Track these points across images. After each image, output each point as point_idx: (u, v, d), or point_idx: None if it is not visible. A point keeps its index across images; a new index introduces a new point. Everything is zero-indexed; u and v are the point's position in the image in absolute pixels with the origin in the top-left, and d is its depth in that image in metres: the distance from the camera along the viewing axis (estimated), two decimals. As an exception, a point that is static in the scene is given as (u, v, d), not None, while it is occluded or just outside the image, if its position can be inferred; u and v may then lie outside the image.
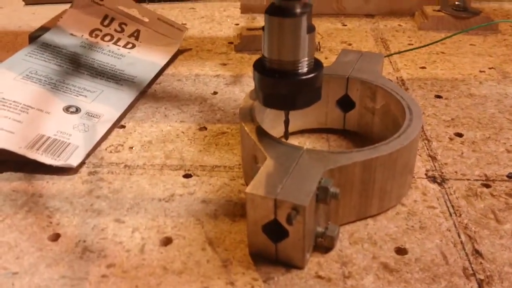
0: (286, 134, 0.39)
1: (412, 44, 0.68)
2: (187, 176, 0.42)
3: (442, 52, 0.65)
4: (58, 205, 0.39)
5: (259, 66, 0.36)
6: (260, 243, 0.33)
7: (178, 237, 0.36)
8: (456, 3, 0.72)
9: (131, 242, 0.35)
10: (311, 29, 0.34)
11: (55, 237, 0.36)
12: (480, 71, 0.60)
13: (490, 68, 0.61)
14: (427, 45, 0.65)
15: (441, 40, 0.65)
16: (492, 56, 0.64)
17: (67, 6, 0.65)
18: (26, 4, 0.88)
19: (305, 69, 0.35)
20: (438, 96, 0.54)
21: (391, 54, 0.64)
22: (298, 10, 0.33)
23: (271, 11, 0.34)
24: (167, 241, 0.36)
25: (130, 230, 0.37)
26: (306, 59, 0.35)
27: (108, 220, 0.38)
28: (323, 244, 0.34)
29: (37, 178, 0.42)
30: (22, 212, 0.38)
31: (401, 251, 0.35)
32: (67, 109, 0.49)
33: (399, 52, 0.64)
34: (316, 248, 0.34)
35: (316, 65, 0.36)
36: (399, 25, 0.75)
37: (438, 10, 0.73)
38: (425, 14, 0.74)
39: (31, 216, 0.38)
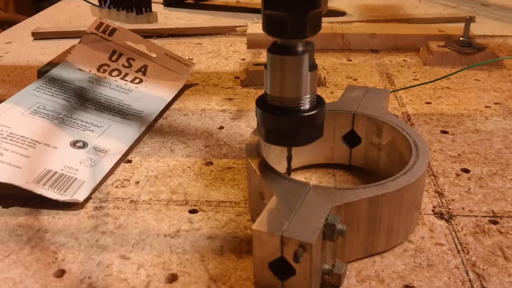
0: (289, 170, 0.39)
1: (417, 80, 0.68)
2: (193, 211, 0.42)
3: (447, 87, 0.66)
4: (64, 240, 0.39)
5: (261, 103, 0.36)
6: (267, 281, 0.33)
7: (183, 274, 0.36)
8: (461, 38, 0.73)
9: (136, 279, 0.35)
10: (313, 67, 0.35)
11: (60, 273, 0.36)
12: (486, 107, 0.60)
13: (495, 104, 0.61)
14: (433, 81, 0.66)
15: (448, 76, 0.66)
16: (498, 92, 0.64)
17: (76, 41, 0.66)
18: (35, 39, 0.89)
19: (307, 106, 0.35)
20: (444, 132, 0.54)
21: (397, 90, 0.64)
22: (300, 49, 0.34)
23: (273, 50, 0.34)
24: (172, 278, 0.35)
25: (135, 267, 0.36)
26: (308, 96, 0.35)
27: (114, 256, 0.37)
28: (330, 282, 0.34)
29: (43, 213, 0.42)
30: (27, 248, 0.38)
31: (409, 289, 0.34)
32: (74, 144, 0.49)
33: (405, 88, 0.65)
34: (323, 285, 0.34)
35: (318, 102, 0.36)
36: (404, 60, 0.76)
37: (443, 46, 0.74)
38: (430, 50, 0.74)
39: (36, 252, 0.38)
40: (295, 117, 0.35)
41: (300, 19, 0.32)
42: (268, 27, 0.33)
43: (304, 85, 0.34)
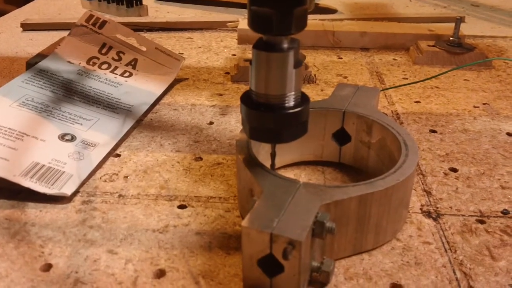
0: (273, 167, 0.39)
1: (407, 78, 0.69)
2: (181, 207, 0.42)
3: (437, 87, 0.66)
4: (51, 234, 0.39)
5: (246, 99, 0.36)
6: (255, 278, 0.33)
7: (171, 270, 0.36)
8: (451, 38, 0.73)
9: (123, 274, 0.35)
10: (298, 64, 0.35)
11: (47, 267, 0.36)
12: (474, 107, 0.60)
13: (484, 104, 0.61)
14: (423, 80, 0.66)
15: (437, 75, 0.66)
16: (486, 92, 0.65)
17: (65, 33, 0.66)
18: (24, 30, 0.89)
19: (292, 103, 0.35)
20: (433, 131, 0.55)
21: (387, 89, 0.65)
22: (285, 45, 0.34)
23: (259, 46, 0.34)
24: (160, 274, 0.35)
25: (123, 262, 0.36)
26: (293, 93, 0.35)
27: (101, 251, 0.37)
28: (319, 279, 0.34)
29: (31, 206, 0.42)
30: (14, 241, 0.38)
31: (396, 287, 0.34)
32: (62, 137, 0.49)
33: (395, 87, 0.65)
34: (311, 283, 0.34)
35: (303, 99, 0.36)
36: (394, 59, 0.76)
37: (433, 45, 0.74)
38: (420, 49, 0.75)
39: (23, 246, 0.38)
40: (280, 114, 0.35)
41: (286, 16, 0.32)
42: (253, 23, 0.33)
43: (289, 82, 0.34)
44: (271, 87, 0.35)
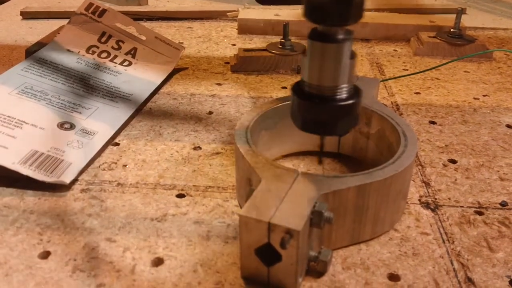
0: (320, 159, 0.39)
1: (407, 70, 0.69)
2: (180, 196, 0.42)
3: (437, 78, 0.66)
4: (49, 222, 0.39)
5: (298, 91, 0.36)
6: (253, 267, 0.33)
7: (169, 258, 0.36)
8: (452, 30, 0.73)
9: (122, 262, 0.35)
10: (353, 55, 0.34)
11: (46, 255, 0.36)
12: (474, 98, 0.60)
13: (484, 96, 0.61)
14: (423, 71, 0.66)
15: (437, 66, 0.66)
16: (486, 84, 0.64)
17: (65, 21, 0.65)
18: (24, 18, 0.88)
19: (345, 95, 0.35)
20: (432, 122, 0.54)
21: (387, 79, 0.64)
22: (341, 36, 0.33)
23: (315, 36, 0.34)
24: (158, 262, 0.35)
25: (121, 250, 0.36)
26: (347, 85, 0.35)
27: (100, 239, 0.37)
28: (316, 269, 0.34)
29: (29, 194, 0.42)
30: (13, 229, 0.38)
31: (393, 277, 0.34)
32: (61, 125, 0.49)
33: (395, 78, 0.65)
34: (308, 272, 0.34)
35: (356, 91, 0.36)
36: (395, 50, 0.76)
37: (434, 37, 0.74)
38: (421, 40, 0.74)
39: (22, 233, 0.38)
40: (335, 106, 0.35)
41: (345, 6, 0.31)
42: (311, 13, 0.32)
43: (344, 73, 0.34)
44: (327, 78, 0.34)
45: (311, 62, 0.34)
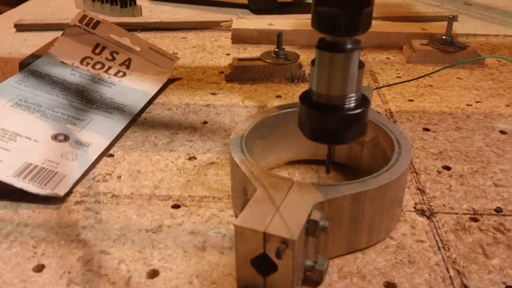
0: (328, 169, 0.39)
1: (400, 77, 0.69)
2: (175, 206, 0.42)
3: (430, 85, 0.66)
4: (44, 235, 0.39)
5: (306, 100, 0.36)
6: (249, 277, 0.33)
7: (165, 270, 0.35)
8: (444, 37, 0.74)
9: (117, 275, 0.35)
10: (361, 64, 0.34)
11: (40, 268, 0.36)
12: (467, 105, 0.60)
13: (477, 102, 0.61)
14: (416, 78, 0.66)
15: (430, 73, 0.66)
16: (479, 90, 0.65)
17: (59, 33, 0.66)
18: (18, 30, 0.88)
19: (354, 104, 0.35)
20: (426, 129, 0.55)
21: (380, 87, 0.65)
22: (349, 46, 0.33)
23: (323, 46, 0.34)
24: (153, 274, 0.35)
25: (116, 262, 0.36)
26: (355, 94, 0.35)
27: (94, 252, 0.37)
28: (312, 278, 0.34)
29: (23, 207, 0.42)
30: (7, 242, 0.38)
31: (390, 286, 0.34)
32: (55, 137, 0.49)
33: (388, 85, 0.65)
34: (305, 282, 0.34)
35: (364, 100, 0.36)
36: (387, 58, 0.76)
37: (426, 44, 0.74)
38: (413, 48, 0.75)
39: (16, 246, 0.38)
40: (345, 115, 0.35)
41: (355, 16, 0.32)
42: (320, 24, 0.33)
43: (353, 83, 0.34)
44: (336, 88, 0.34)
45: (319, 72, 0.34)
